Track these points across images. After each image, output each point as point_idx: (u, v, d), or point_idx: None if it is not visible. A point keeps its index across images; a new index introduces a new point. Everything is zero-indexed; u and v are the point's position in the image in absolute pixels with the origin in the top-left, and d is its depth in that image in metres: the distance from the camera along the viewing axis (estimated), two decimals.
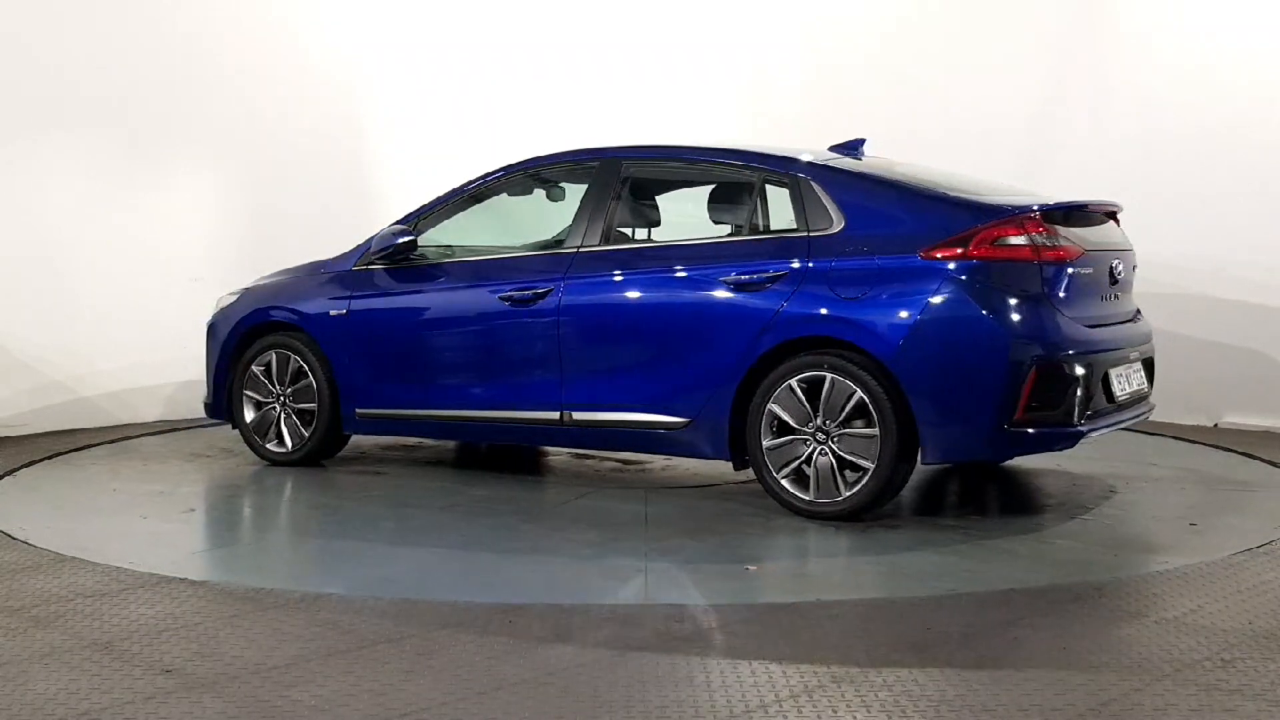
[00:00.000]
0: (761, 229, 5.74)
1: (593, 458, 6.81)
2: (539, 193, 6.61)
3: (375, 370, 6.39)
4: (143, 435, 7.56)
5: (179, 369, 8.13)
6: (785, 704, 3.25)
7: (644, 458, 6.65)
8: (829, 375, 5.23)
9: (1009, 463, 6.40)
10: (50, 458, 6.80)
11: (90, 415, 7.76)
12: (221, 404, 6.81)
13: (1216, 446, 7.18)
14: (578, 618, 3.99)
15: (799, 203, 5.52)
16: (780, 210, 5.69)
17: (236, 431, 6.73)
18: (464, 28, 9.43)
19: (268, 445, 6.64)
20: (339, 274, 6.56)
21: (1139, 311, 6.01)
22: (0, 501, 5.77)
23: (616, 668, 3.54)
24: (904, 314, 5.15)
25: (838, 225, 5.39)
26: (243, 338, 6.74)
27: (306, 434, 6.54)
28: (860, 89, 9.51)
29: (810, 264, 5.38)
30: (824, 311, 5.29)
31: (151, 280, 8.03)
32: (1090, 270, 5.46)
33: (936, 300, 5.12)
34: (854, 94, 9.49)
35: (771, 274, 5.43)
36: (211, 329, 6.92)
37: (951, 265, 5.13)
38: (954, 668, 3.54)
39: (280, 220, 8.57)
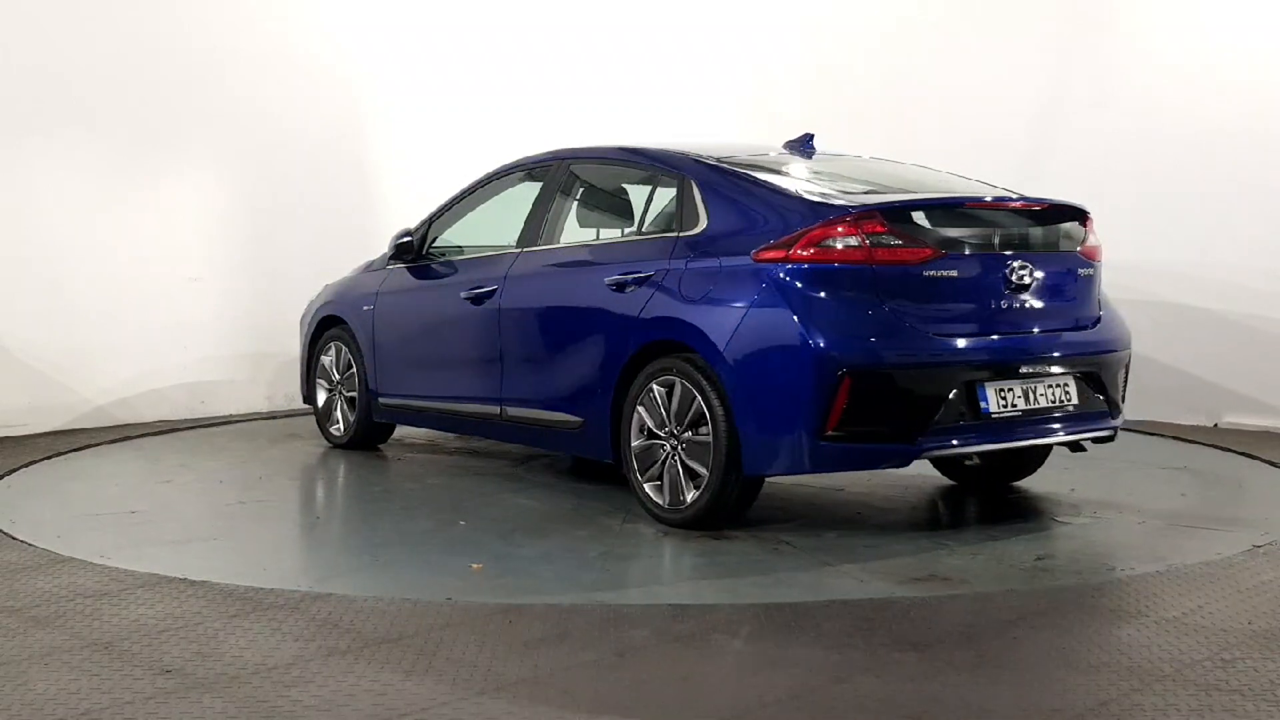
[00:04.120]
0: (652, 230, 5.60)
1: None
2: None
3: (388, 362, 6.77)
4: (143, 435, 7.55)
5: (179, 369, 8.15)
6: (785, 704, 3.25)
7: None
8: (676, 380, 5.13)
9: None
10: (50, 458, 6.80)
11: (90, 415, 7.76)
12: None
13: (1216, 446, 7.17)
14: (578, 618, 3.99)
15: (679, 203, 5.45)
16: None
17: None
18: (466, 30, 9.42)
19: (330, 429, 7.24)
20: (374, 272, 7.01)
21: (1097, 320, 5.37)
22: (0, 501, 5.77)
23: (616, 668, 3.54)
24: (731, 318, 4.96)
25: (701, 225, 5.28)
26: (315, 330, 7.31)
27: (353, 420, 7.04)
28: (860, 89, 9.51)
29: (670, 265, 5.28)
30: (672, 314, 5.18)
31: (151, 280, 8.04)
32: (958, 273, 4.98)
33: (758, 304, 4.91)
34: (854, 94, 9.50)
35: (640, 276, 5.35)
36: (301, 322, 7.54)
37: (775, 268, 4.91)
38: (954, 668, 3.54)
39: (280, 220, 8.59)
